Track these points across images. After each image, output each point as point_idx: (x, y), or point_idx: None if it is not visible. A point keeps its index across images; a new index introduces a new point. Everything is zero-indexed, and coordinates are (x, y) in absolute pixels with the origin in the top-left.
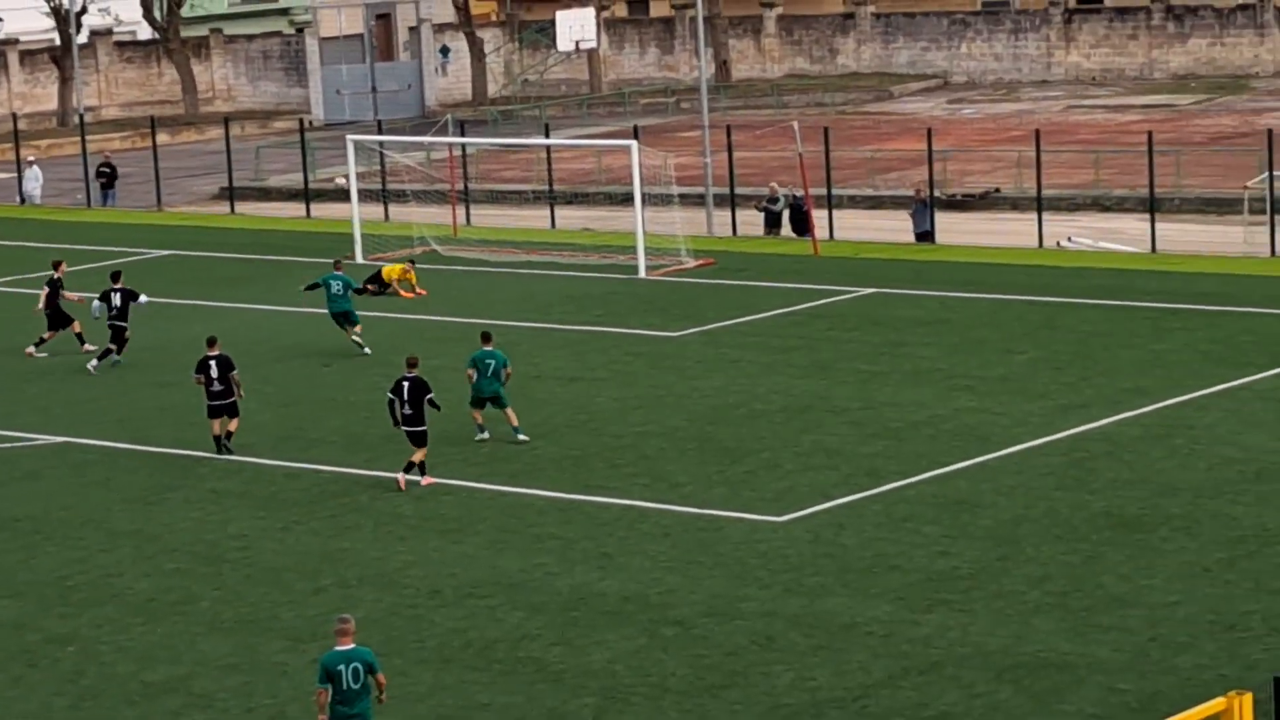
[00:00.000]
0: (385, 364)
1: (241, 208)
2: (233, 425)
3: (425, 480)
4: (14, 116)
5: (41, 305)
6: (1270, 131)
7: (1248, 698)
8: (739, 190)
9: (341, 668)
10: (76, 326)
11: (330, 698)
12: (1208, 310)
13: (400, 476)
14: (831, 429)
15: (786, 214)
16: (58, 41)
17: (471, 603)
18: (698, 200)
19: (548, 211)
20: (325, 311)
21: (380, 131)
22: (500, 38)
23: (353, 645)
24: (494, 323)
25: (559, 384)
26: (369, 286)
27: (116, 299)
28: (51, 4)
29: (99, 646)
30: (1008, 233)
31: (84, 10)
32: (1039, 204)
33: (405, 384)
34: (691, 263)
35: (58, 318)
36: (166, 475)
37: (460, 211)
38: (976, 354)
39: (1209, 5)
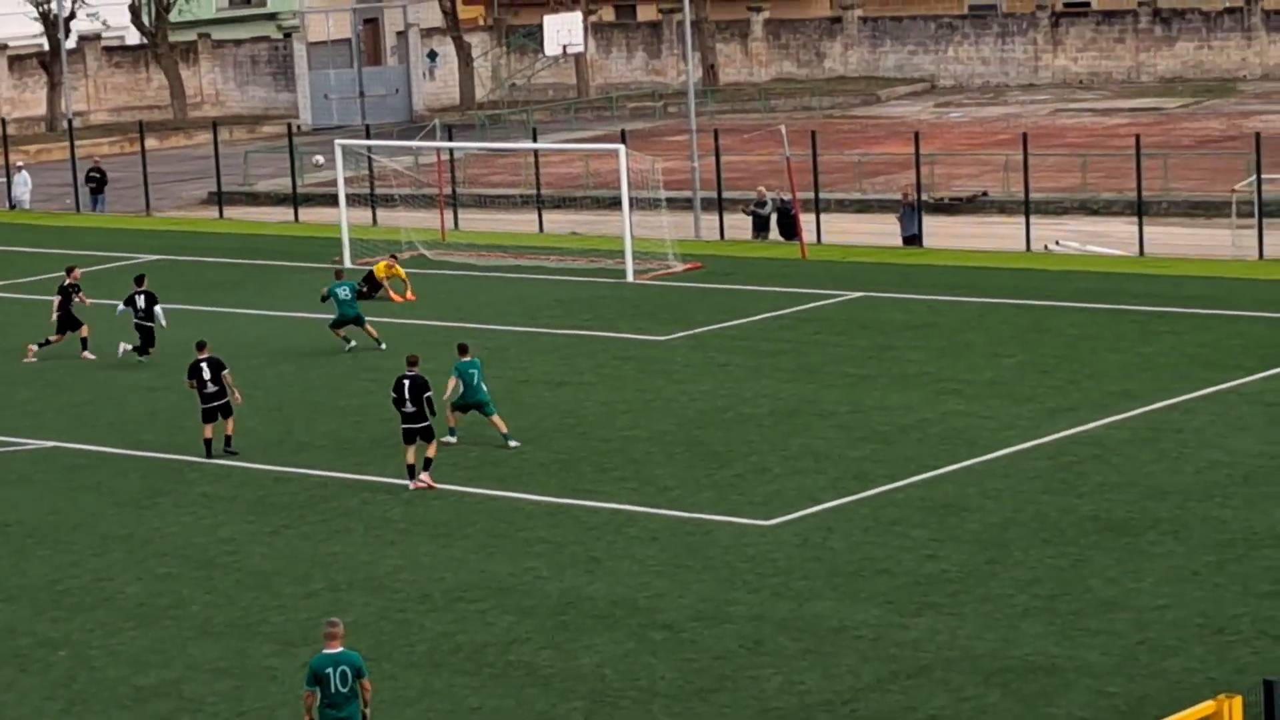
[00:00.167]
0: (373, 369)
1: (230, 212)
2: (229, 427)
3: (424, 475)
4: (2, 121)
5: (56, 310)
6: (1258, 135)
7: (1237, 701)
8: (726, 194)
9: (329, 671)
10: (84, 331)
11: (319, 701)
12: (1195, 313)
13: (417, 481)
14: (819, 433)
15: (774, 218)
16: (46, 47)
17: (461, 607)
18: (685, 204)
19: (535, 216)
20: (312, 316)
21: (368, 136)
22: (488, 42)
23: (341, 649)
24: (482, 327)
25: (547, 388)
26: (363, 288)
27: (141, 301)
28: (40, 9)
29: (90, 651)
30: (995, 236)
31: (73, 15)
32: (1026, 207)
33: (406, 382)
34: (679, 267)
35: (67, 321)
36: (157, 479)
37: (448, 216)
38: (964, 357)
39: (1196, 8)
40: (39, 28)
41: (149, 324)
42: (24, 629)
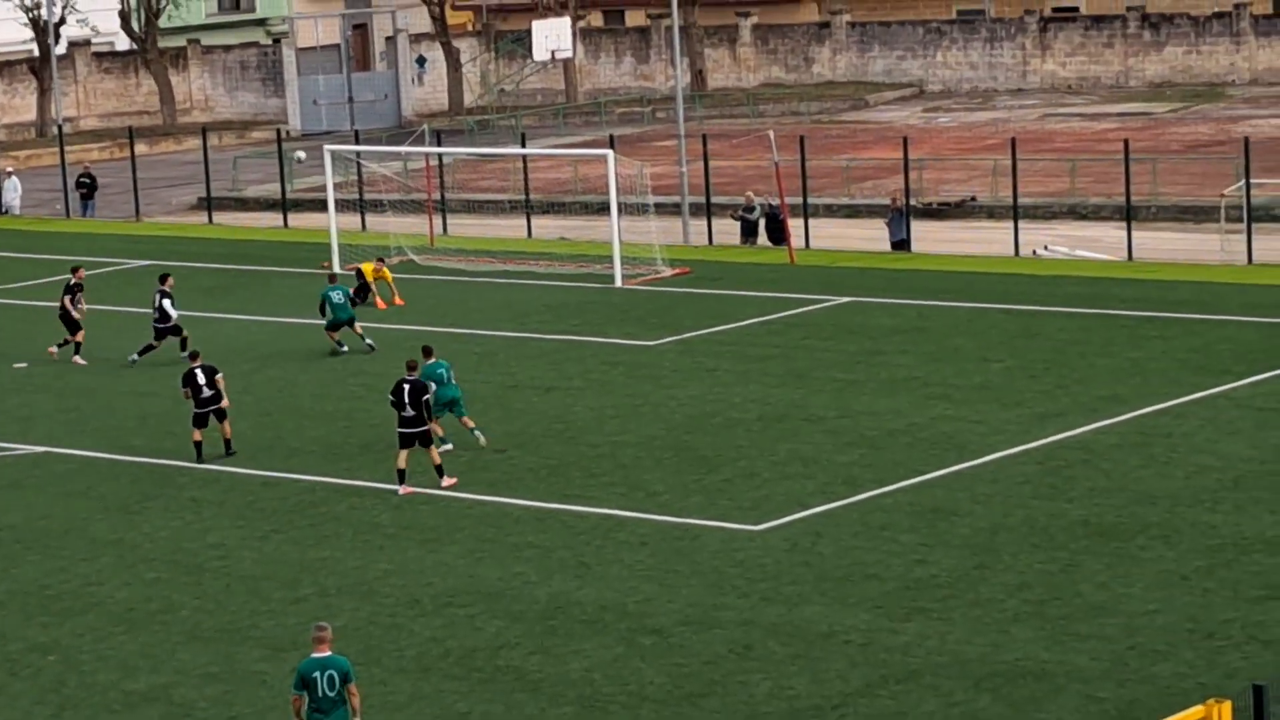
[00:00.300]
0: (361, 373)
1: (219, 218)
2: (227, 430)
3: (446, 481)
4: None
5: (72, 310)
6: (1247, 139)
7: (1226, 706)
8: (715, 199)
9: (316, 675)
10: (79, 336)
11: (306, 705)
12: (1185, 318)
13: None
14: (808, 437)
15: (762, 223)
16: (36, 52)
17: (450, 612)
18: (674, 209)
19: (524, 221)
20: (301, 321)
21: (357, 141)
22: (476, 48)
23: (329, 653)
24: (471, 332)
25: (536, 393)
26: (356, 301)
27: (157, 300)
28: (30, 15)
29: (80, 656)
30: (984, 241)
31: (62, 21)
32: (1015, 212)
33: (405, 386)
34: (668, 272)
35: (71, 320)
36: (146, 484)
37: (437, 221)
38: (953, 362)
39: (1185, 13)
40: (29, 33)
41: (160, 325)
42: (14, 634)
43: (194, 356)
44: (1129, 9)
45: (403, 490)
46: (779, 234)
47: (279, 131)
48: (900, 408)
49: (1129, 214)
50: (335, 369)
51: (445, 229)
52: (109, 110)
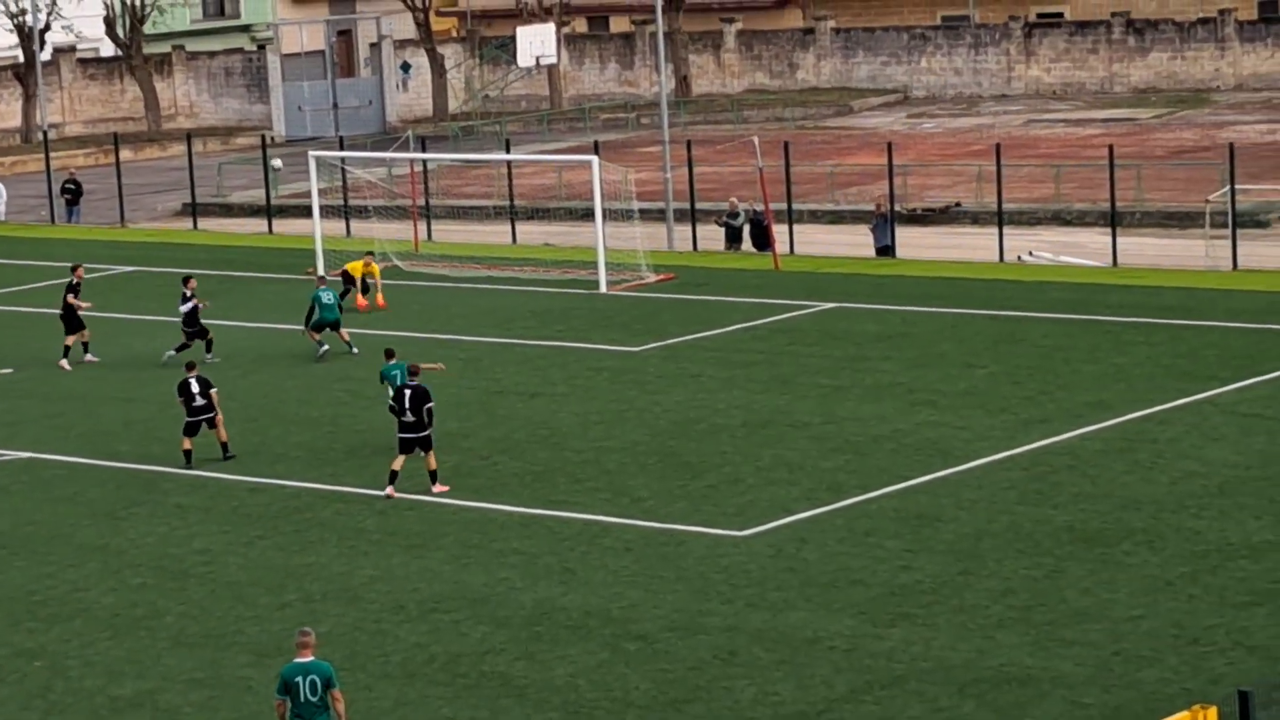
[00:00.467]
0: (346, 379)
1: (204, 224)
2: (223, 434)
3: (438, 487)
4: None
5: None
6: (1231, 145)
7: (1212, 712)
8: (699, 205)
9: (299, 680)
10: (69, 339)
11: (289, 710)
12: (1169, 324)
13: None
14: (793, 443)
15: (747, 229)
16: (21, 58)
17: (435, 617)
18: (658, 215)
19: (509, 227)
20: (285, 327)
21: (342, 147)
22: (461, 54)
23: (312, 658)
24: (455, 338)
25: (520, 399)
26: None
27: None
28: (15, 21)
29: (66, 661)
30: (968, 247)
31: (47, 28)
32: (1000, 218)
33: (407, 392)
34: (652, 278)
35: (73, 319)
36: (132, 490)
37: (421, 227)
38: (937, 368)
39: (1169, 19)
40: (14, 40)
41: (189, 328)
42: (0, 640)
43: (189, 366)
44: (1114, 15)
45: (388, 490)
46: (764, 240)
47: (264, 138)
48: (885, 414)
49: (1114, 220)
50: (320, 375)
51: (430, 235)
52: (94, 116)
